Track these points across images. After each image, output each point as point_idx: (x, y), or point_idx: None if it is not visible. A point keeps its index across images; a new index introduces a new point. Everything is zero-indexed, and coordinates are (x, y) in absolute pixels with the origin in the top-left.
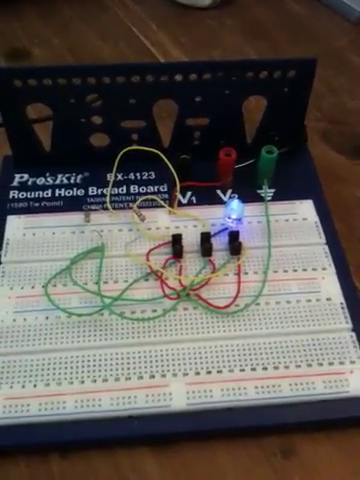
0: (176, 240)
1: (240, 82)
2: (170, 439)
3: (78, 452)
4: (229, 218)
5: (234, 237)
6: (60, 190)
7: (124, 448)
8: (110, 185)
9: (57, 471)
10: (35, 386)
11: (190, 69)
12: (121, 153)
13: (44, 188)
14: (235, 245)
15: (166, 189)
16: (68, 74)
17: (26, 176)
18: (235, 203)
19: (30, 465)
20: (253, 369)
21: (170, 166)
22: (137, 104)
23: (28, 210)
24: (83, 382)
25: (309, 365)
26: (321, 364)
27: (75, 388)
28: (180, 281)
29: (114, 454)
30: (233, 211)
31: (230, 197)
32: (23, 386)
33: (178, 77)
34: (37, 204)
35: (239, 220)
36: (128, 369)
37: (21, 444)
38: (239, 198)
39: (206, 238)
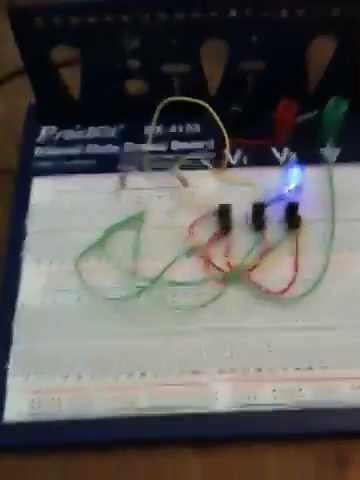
0: (223, 212)
1: (307, 20)
2: (214, 441)
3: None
4: (287, 186)
5: (293, 209)
6: (92, 146)
7: (165, 448)
8: (149, 140)
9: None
10: (66, 378)
11: (246, 3)
12: (161, 104)
13: (73, 144)
14: (293, 219)
15: (213, 146)
16: (99, 11)
17: (54, 129)
18: (295, 171)
19: (59, 462)
20: (310, 368)
21: (218, 120)
22: (181, 45)
23: (56, 170)
24: (117, 378)
25: None
26: None
27: (107, 384)
28: (228, 262)
29: (154, 454)
30: (292, 179)
31: (288, 159)
32: (52, 378)
33: (232, 13)
34: (66, 163)
35: (298, 189)
36: (168, 362)
37: (52, 443)
38: (298, 159)
39: (259, 210)
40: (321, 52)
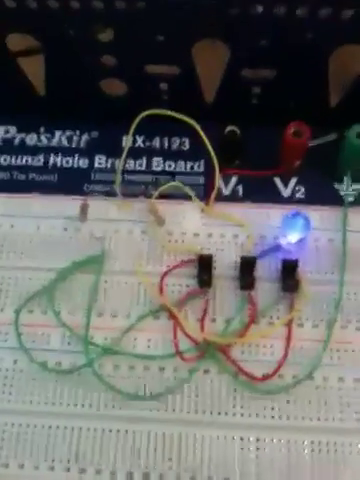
0: (204, 265)
1: (332, 23)
2: None
3: None
4: (285, 237)
5: (290, 269)
6: (56, 157)
7: None
8: (123, 156)
9: None
10: None
11: None
12: (142, 115)
13: (35, 152)
14: (290, 281)
15: (203, 168)
16: None
17: (13, 130)
18: (299, 221)
19: None
20: None
21: (207, 142)
22: (168, 43)
23: (10, 185)
24: (52, 469)
25: None
26: None
27: (42, 474)
28: (204, 338)
29: None
30: (294, 231)
31: (294, 195)
32: None
33: (235, 10)
34: (23, 176)
35: (300, 242)
36: (114, 458)
37: None
38: (307, 196)
39: (248, 266)
40: (350, 61)
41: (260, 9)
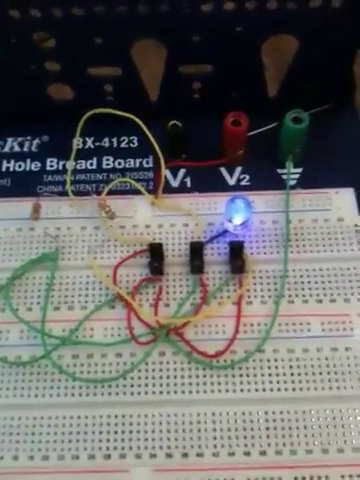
0: (155, 253)
1: (259, 15)
2: None
3: None
4: (230, 221)
5: (236, 251)
6: (9, 162)
7: None
8: (72, 156)
9: None
10: None
11: None
12: (87, 115)
13: None
14: (237, 262)
15: (151, 164)
16: (1, 2)
17: None
18: (239, 204)
19: None
20: (246, 453)
21: (151, 137)
22: (107, 46)
23: None
24: (16, 458)
25: (325, 451)
26: (342, 450)
27: (6, 465)
28: (157, 321)
29: None
30: (236, 214)
31: (239, 183)
32: None
33: (164, 7)
34: None
35: (245, 224)
36: (77, 442)
37: None
38: (251, 183)
39: (196, 251)
40: (282, 51)
41: (188, 7)
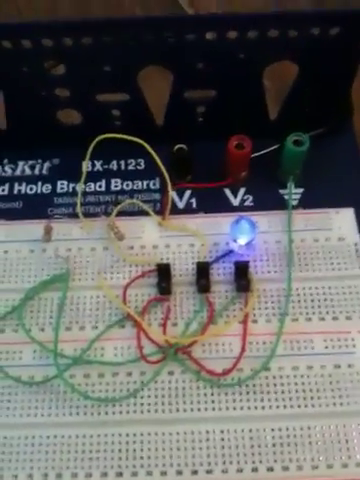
0: (163, 273)
1: (260, 43)
2: None
3: None
4: (235, 242)
5: (241, 270)
6: (20, 185)
7: None
8: (82, 179)
9: None
10: None
11: (188, 25)
12: (96, 140)
13: (0, 182)
14: (242, 281)
15: (158, 185)
16: (12, 34)
17: None
18: (244, 225)
19: None
20: (254, 470)
21: (157, 160)
22: (114, 73)
23: None
24: (31, 476)
25: (330, 466)
26: (346, 465)
27: None
28: (166, 340)
29: None
30: (241, 235)
31: (243, 203)
32: None
33: (169, 35)
34: None
35: (249, 244)
36: (89, 460)
37: None
38: (255, 203)
39: (203, 270)
40: (282, 77)
41: (193, 36)
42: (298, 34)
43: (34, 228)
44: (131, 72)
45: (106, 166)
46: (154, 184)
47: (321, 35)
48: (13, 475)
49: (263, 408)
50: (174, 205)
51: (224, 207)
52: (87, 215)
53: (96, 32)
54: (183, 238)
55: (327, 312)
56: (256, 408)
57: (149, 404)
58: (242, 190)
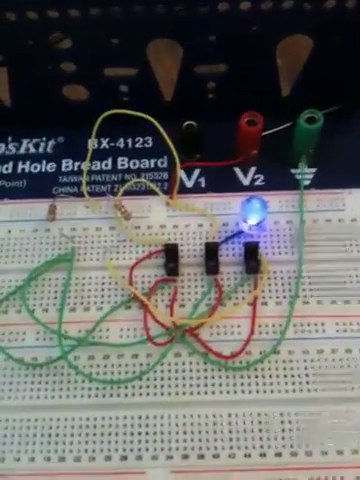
0: (170, 254)
1: (274, 16)
2: None
3: None
4: (245, 222)
5: (251, 252)
6: (24, 163)
7: None
8: (88, 158)
9: None
10: None
11: None
12: (103, 115)
13: (3, 160)
14: (251, 263)
15: (166, 164)
16: (17, 6)
17: None
18: (255, 204)
19: None
20: (262, 455)
21: (166, 138)
22: (122, 46)
23: None
24: (33, 459)
25: (340, 452)
26: (356, 451)
27: (23, 467)
28: (173, 321)
29: None
30: (252, 214)
31: (253, 183)
32: None
33: (181, 8)
34: None
35: (260, 225)
36: (93, 444)
37: None
38: (266, 183)
39: (212, 251)
40: (296, 51)
41: (205, 7)
42: (313, 6)
43: (38, 207)
44: (140, 45)
45: (112, 144)
46: (162, 163)
47: (337, 7)
48: (15, 458)
49: (272, 392)
50: (182, 184)
51: (234, 187)
52: (93, 194)
53: (104, 2)
54: (191, 218)
55: (339, 295)
56: (265, 392)
57: (155, 386)
58: (253, 169)
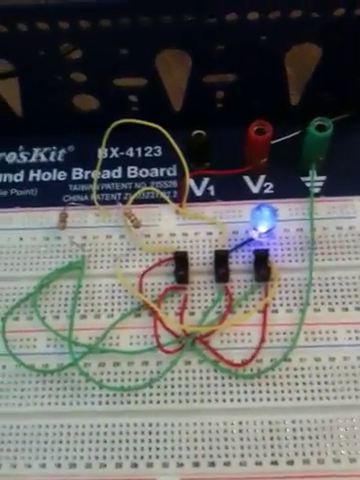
0: (180, 262)
1: (282, 26)
2: None
3: None
4: (255, 229)
5: (261, 259)
6: (35, 172)
7: None
8: (98, 167)
9: None
10: None
11: (207, 7)
12: (113, 125)
13: (15, 169)
14: (261, 270)
15: (175, 173)
16: (29, 16)
17: None
18: (265, 212)
19: None
20: (274, 463)
21: (175, 146)
22: (132, 56)
23: None
24: (44, 466)
25: (352, 460)
26: None
27: (34, 473)
28: (183, 329)
29: None
30: (262, 222)
31: (263, 191)
32: None
33: (188, 18)
34: (4, 193)
35: (270, 232)
36: (104, 451)
37: None
38: (275, 191)
39: (222, 259)
40: (304, 60)
41: (213, 17)
42: (322, 15)
43: (49, 215)
44: (149, 56)
45: (122, 153)
46: (171, 171)
47: (346, 16)
48: (26, 464)
49: (283, 400)
50: (192, 192)
51: (243, 195)
52: (103, 203)
53: (114, 14)
54: (201, 226)
55: (350, 302)
56: (276, 400)
57: (165, 394)
58: (262, 177)
